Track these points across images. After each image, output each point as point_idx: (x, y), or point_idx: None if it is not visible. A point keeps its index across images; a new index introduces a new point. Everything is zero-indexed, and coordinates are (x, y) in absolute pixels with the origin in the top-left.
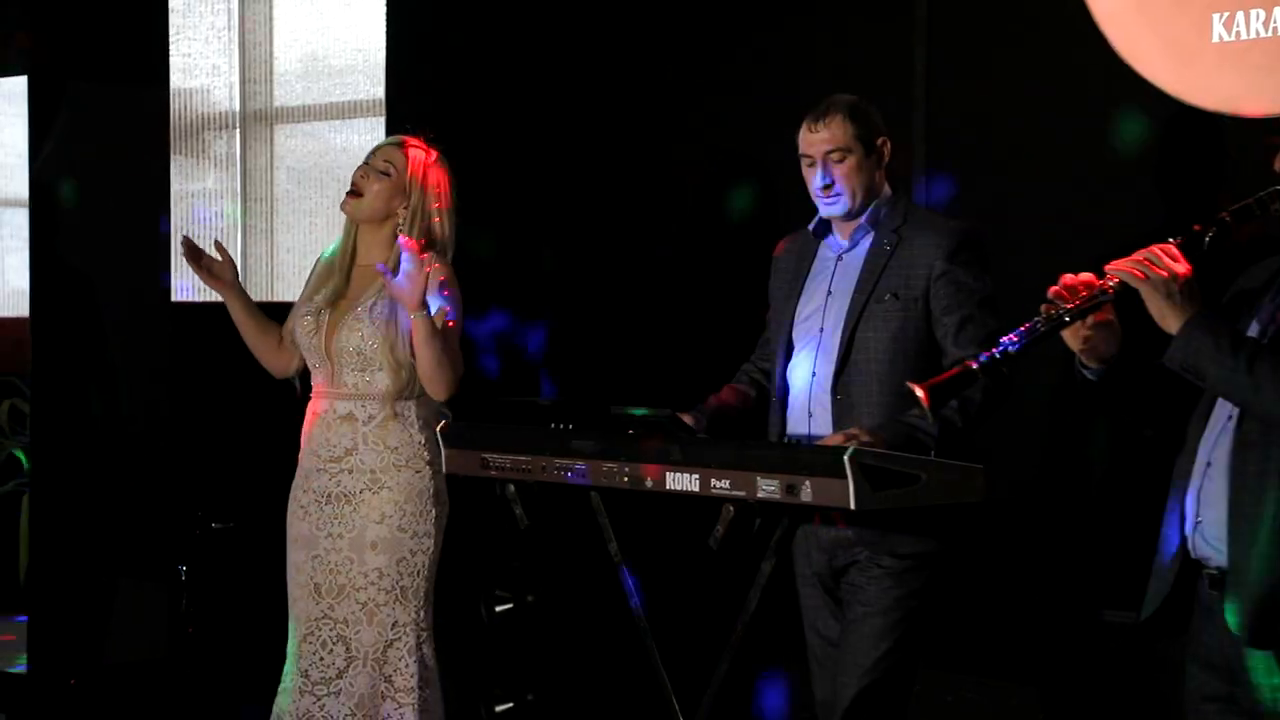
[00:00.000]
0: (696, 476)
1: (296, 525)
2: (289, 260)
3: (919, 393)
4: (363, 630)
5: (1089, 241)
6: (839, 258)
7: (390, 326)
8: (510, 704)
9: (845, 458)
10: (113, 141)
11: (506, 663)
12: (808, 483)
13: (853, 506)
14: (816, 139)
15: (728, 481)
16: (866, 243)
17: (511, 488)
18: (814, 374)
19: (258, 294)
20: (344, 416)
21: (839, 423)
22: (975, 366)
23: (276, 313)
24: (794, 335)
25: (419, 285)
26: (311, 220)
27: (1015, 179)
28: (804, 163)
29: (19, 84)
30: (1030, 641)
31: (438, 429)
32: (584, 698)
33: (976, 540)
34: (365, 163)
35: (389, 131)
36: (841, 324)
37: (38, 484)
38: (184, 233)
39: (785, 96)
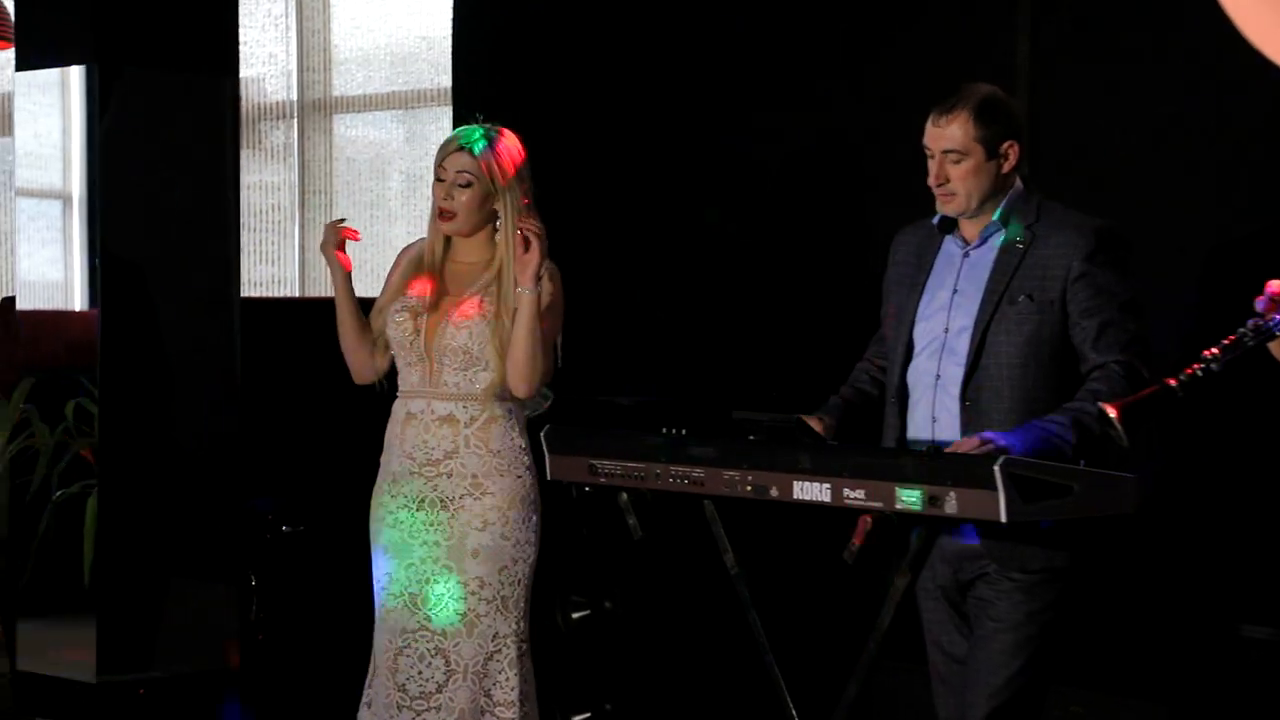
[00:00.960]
0: (828, 486)
1: (386, 533)
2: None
3: (1111, 413)
4: (462, 643)
5: (1205, 233)
6: (965, 254)
7: (499, 323)
8: (588, 714)
9: (996, 467)
10: (182, 132)
11: (584, 672)
12: (953, 493)
13: (1004, 519)
14: (937, 134)
15: (863, 492)
16: (997, 240)
17: (625, 496)
18: (938, 376)
19: (317, 290)
20: (444, 418)
21: (967, 429)
22: (1175, 385)
23: (333, 309)
24: (915, 335)
25: (537, 257)
26: (373, 213)
27: (1126, 169)
28: (926, 153)
29: (52, 75)
30: (1162, 656)
31: (542, 433)
32: (665, 711)
33: (1107, 550)
34: (438, 179)
35: (457, 121)
36: (971, 325)
37: (106, 486)
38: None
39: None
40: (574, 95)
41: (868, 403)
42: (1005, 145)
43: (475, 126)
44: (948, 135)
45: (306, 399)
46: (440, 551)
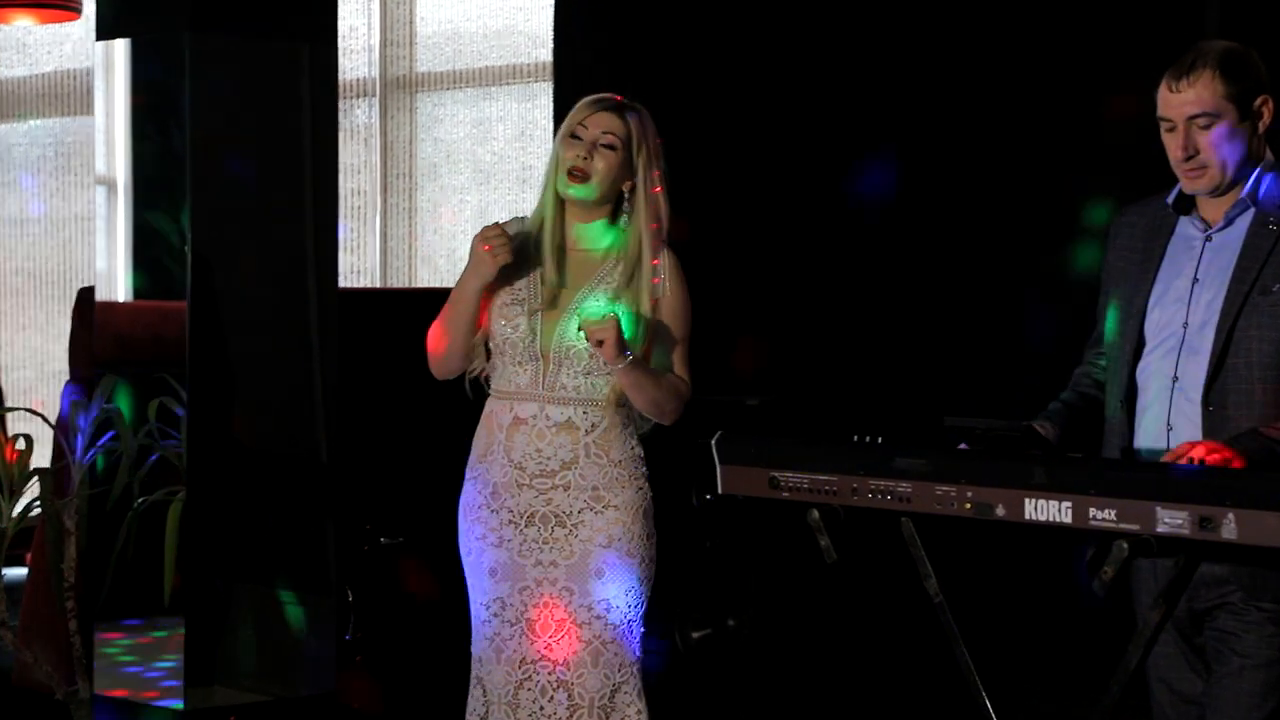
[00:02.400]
0: (1069, 505)
1: (490, 553)
2: (435, 242)
3: None
4: (586, 674)
5: None
6: (1208, 238)
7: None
8: None
9: None
10: (279, 108)
11: (706, 692)
12: (1231, 515)
13: None
14: (1178, 100)
15: (1113, 512)
16: (1245, 221)
17: (815, 513)
18: (1175, 378)
19: (397, 279)
20: (561, 424)
21: (1210, 439)
22: None
23: (421, 301)
24: (1146, 328)
25: (613, 332)
26: (461, 197)
27: None
28: (1163, 126)
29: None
30: None
31: (713, 441)
32: None
33: None
34: (574, 135)
35: (559, 101)
36: (1216, 319)
37: (193, 494)
38: None
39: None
40: (692, 72)
41: (1093, 408)
42: (1259, 101)
43: (613, 96)
44: (1193, 98)
45: (404, 400)
46: (559, 572)
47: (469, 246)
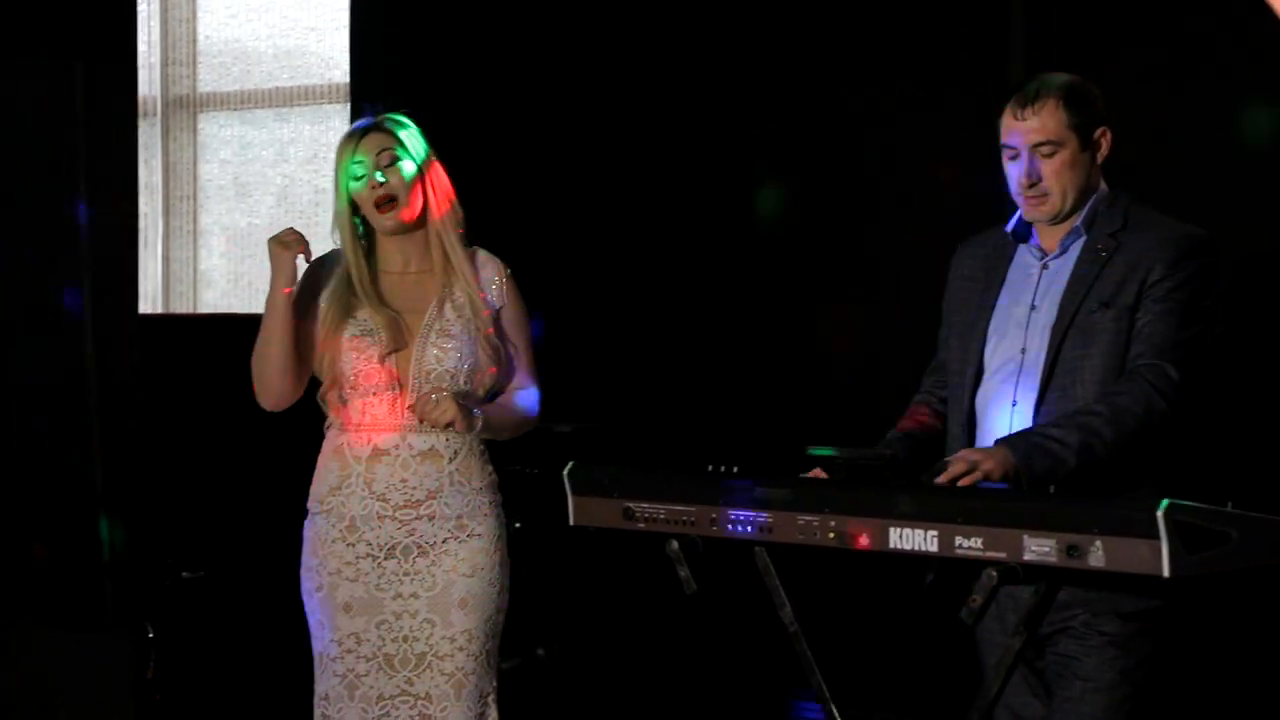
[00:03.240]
0: (934, 534)
1: (344, 587)
2: (220, 265)
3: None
4: (450, 707)
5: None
6: (1044, 265)
7: (480, 336)
8: None
9: (1160, 513)
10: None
11: None
12: (1098, 543)
13: (1167, 574)
14: (1023, 128)
15: (980, 540)
16: (1077, 248)
17: (675, 544)
18: (1014, 403)
19: (180, 304)
20: (425, 453)
21: None
22: None
23: (204, 327)
24: (986, 355)
25: (452, 406)
26: (250, 220)
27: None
28: (1005, 154)
29: None
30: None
31: (565, 472)
32: None
33: (1210, 593)
34: (354, 178)
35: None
36: (1048, 342)
37: None
38: None
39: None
40: (488, 90)
41: (932, 437)
42: (1099, 132)
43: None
44: (1037, 125)
45: (206, 427)
46: (420, 604)
47: (253, 273)
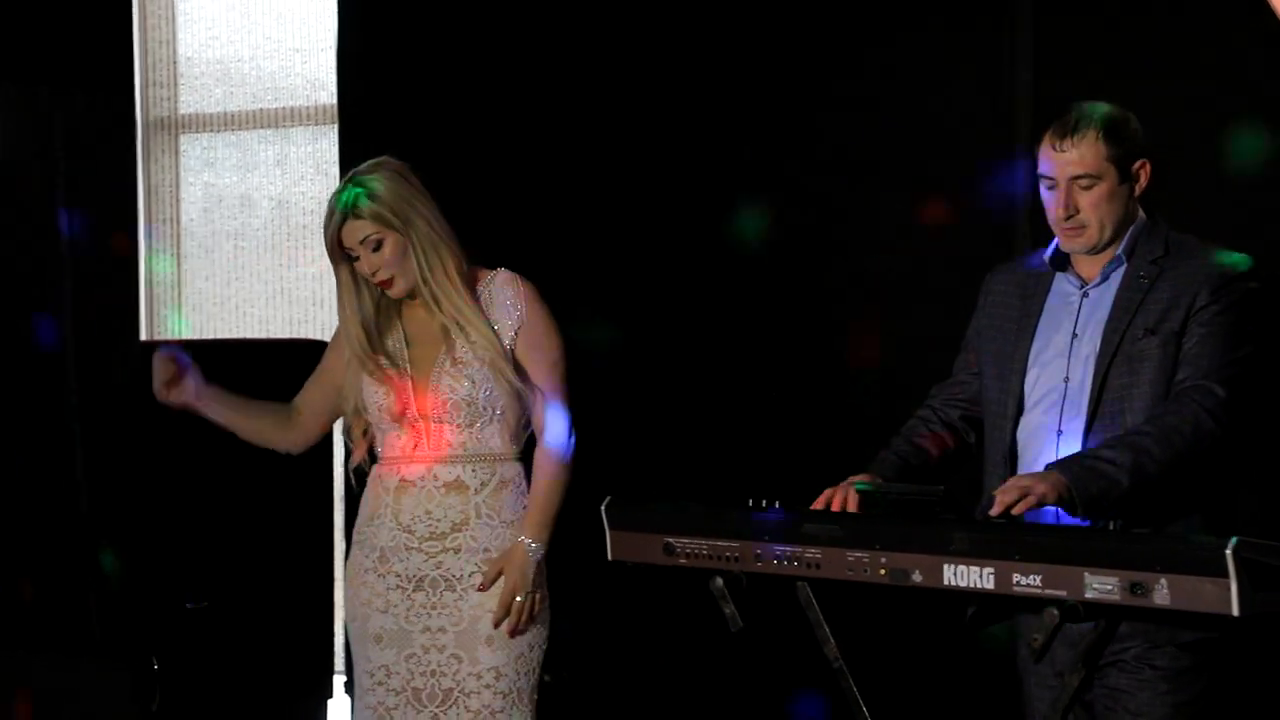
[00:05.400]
0: (990, 571)
1: (375, 618)
2: (205, 289)
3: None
4: None
5: None
6: (1084, 293)
7: (495, 368)
8: None
9: (1228, 551)
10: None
11: None
12: (1163, 580)
13: (1236, 613)
14: (1061, 159)
15: (1039, 578)
16: (1119, 276)
17: (719, 581)
18: (1060, 432)
19: (160, 331)
20: (450, 484)
21: None
22: None
23: (198, 353)
24: (1025, 386)
25: (516, 572)
26: (236, 243)
27: None
28: (1043, 183)
29: None
30: None
31: (603, 507)
32: None
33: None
34: (341, 248)
35: (344, 143)
36: (1094, 370)
37: None
38: None
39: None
40: (480, 111)
41: (945, 450)
42: (1137, 165)
43: (343, 188)
44: (1076, 158)
45: (208, 457)
46: (447, 639)
47: (240, 296)
